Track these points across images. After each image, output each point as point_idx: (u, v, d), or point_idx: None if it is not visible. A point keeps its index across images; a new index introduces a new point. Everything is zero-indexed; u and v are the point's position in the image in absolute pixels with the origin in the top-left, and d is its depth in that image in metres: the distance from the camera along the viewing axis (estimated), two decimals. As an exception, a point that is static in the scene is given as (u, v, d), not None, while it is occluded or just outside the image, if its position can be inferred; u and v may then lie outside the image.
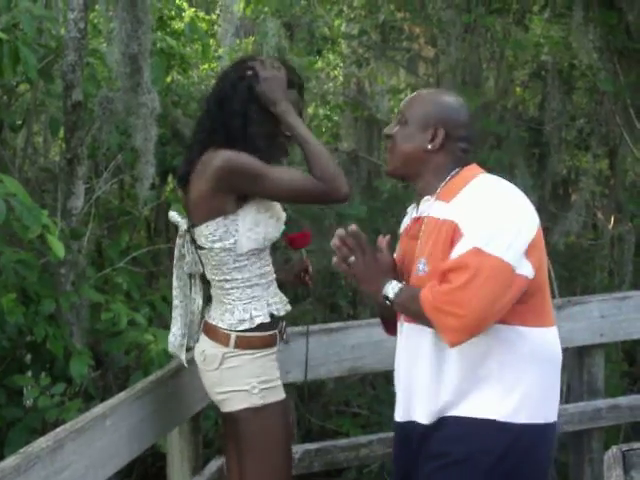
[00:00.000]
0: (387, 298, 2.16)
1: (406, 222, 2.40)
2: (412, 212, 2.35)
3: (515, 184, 2.22)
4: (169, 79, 4.73)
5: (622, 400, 3.55)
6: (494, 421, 2.07)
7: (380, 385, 4.78)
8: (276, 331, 2.48)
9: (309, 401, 4.29)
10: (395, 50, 6.05)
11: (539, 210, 2.19)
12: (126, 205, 4.82)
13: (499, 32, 5.46)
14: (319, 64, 6.60)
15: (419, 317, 2.11)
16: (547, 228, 4.91)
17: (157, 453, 3.81)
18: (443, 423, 2.13)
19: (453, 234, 2.08)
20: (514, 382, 2.09)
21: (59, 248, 2.87)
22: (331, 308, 5.24)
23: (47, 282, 3.39)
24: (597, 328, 3.37)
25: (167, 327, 4.09)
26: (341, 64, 6.76)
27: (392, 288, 2.16)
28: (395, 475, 2.37)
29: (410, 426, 2.20)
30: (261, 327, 2.44)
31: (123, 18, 3.42)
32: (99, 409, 2.35)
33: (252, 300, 2.44)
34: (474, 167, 2.27)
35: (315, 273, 2.74)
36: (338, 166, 2.35)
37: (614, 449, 2.17)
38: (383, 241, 2.30)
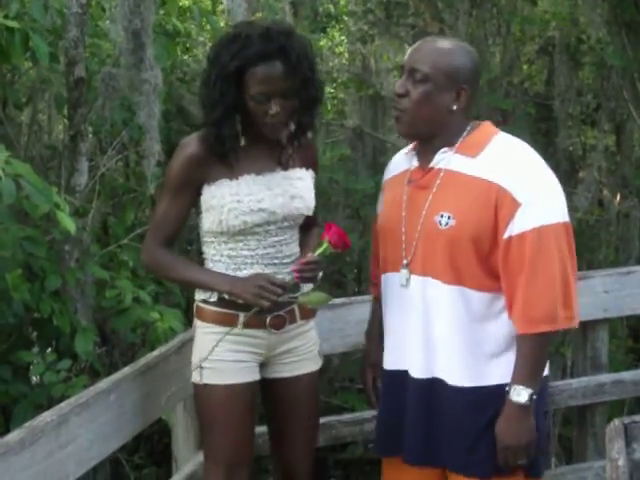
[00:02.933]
0: (531, 396, 2.11)
1: (395, 171, 2.34)
2: (411, 160, 2.27)
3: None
4: (173, 57, 4.70)
5: (626, 375, 3.54)
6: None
7: (385, 361, 4.79)
8: (238, 312, 2.37)
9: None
10: (400, 26, 6.01)
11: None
12: (132, 183, 4.82)
13: (506, 7, 5.43)
14: (323, 42, 6.57)
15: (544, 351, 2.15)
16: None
17: (163, 430, 3.84)
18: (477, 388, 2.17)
19: (498, 197, 2.07)
20: None
21: (69, 223, 2.89)
22: (337, 285, 5.26)
23: (52, 259, 3.40)
24: (601, 303, 3.35)
25: (175, 305, 4.14)
26: (346, 40, 6.73)
27: (521, 390, 2.10)
28: (381, 421, 2.39)
29: (429, 382, 2.21)
30: (215, 302, 2.40)
31: (126, -7, 3.40)
32: (103, 384, 2.37)
33: None
34: (490, 124, 2.24)
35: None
36: (159, 272, 2.50)
37: (616, 422, 2.17)
38: None
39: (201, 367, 2.39)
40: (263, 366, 2.48)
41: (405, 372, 2.25)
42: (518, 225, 2.06)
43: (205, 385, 2.39)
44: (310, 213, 2.46)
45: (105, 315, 3.90)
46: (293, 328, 2.47)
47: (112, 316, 3.75)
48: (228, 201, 2.32)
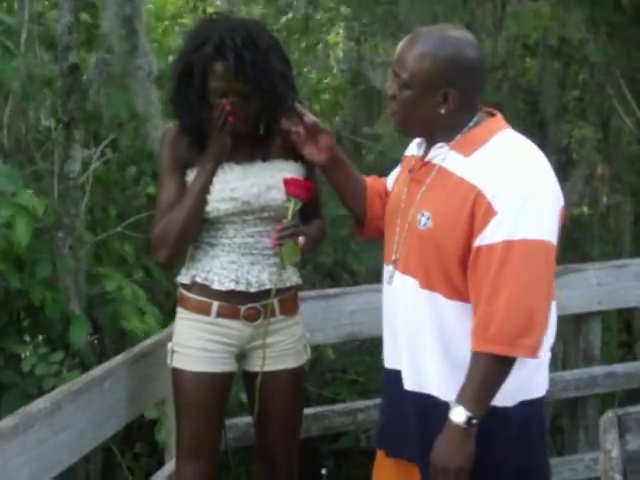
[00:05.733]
0: (470, 419, 1.90)
1: (412, 150, 2.22)
2: (419, 149, 2.14)
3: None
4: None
5: (618, 367, 3.56)
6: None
7: (378, 353, 4.78)
8: (209, 300, 2.38)
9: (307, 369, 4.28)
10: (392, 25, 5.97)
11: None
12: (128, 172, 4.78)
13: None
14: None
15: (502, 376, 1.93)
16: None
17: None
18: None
19: (475, 202, 1.91)
20: None
21: (24, 236, 2.89)
22: (331, 277, 5.24)
23: (44, 246, 3.37)
24: (594, 296, 3.36)
25: (165, 292, 4.12)
26: (340, 35, 6.73)
27: (460, 410, 1.90)
28: (382, 417, 2.29)
29: (422, 397, 2.07)
30: (191, 288, 2.40)
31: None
32: (97, 371, 2.38)
33: (191, 260, 2.43)
34: (498, 119, 2.07)
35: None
36: (169, 236, 2.31)
37: (609, 413, 2.17)
38: None
39: (172, 351, 2.42)
40: (242, 358, 2.47)
41: (399, 373, 2.14)
42: (489, 235, 1.90)
43: (174, 369, 2.42)
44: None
45: (95, 303, 3.88)
46: (272, 323, 2.43)
47: (101, 306, 3.72)
48: (219, 190, 2.33)
